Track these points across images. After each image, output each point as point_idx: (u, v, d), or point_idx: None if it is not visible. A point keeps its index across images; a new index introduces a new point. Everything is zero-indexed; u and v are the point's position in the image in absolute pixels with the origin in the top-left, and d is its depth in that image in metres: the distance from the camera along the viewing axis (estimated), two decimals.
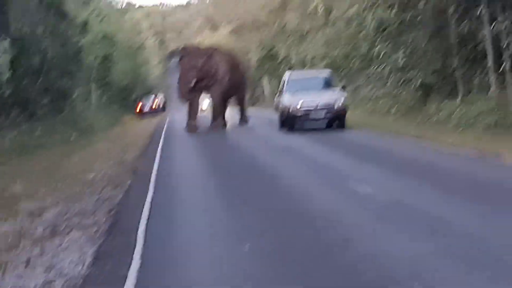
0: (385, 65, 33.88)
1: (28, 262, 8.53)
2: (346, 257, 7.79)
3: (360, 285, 6.83)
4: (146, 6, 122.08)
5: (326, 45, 45.34)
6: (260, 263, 7.86)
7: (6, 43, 27.23)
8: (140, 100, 61.44)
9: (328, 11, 47.89)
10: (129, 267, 7.92)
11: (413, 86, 31.14)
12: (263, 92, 70.69)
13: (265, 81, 68.94)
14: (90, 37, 38.74)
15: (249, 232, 9.38)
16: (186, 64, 30.72)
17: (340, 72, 41.39)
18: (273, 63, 61.85)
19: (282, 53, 57.66)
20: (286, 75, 29.42)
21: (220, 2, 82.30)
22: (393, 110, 32.74)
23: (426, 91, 30.10)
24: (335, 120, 26.33)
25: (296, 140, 22.93)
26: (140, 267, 7.94)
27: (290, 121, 26.40)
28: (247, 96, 37.62)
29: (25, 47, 29.91)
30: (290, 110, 26.12)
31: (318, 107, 25.83)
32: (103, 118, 40.87)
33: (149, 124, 42.10)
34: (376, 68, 35.93)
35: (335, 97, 26.19)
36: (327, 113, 25.93)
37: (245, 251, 8.32)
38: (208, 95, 32.78)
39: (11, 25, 29.65)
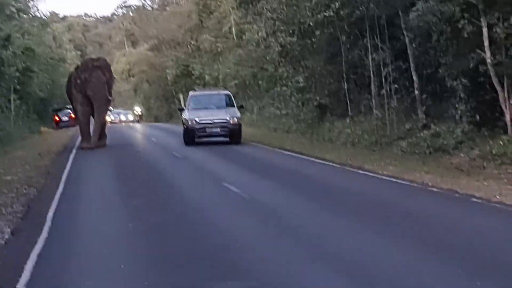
0: (288, 86, 36.71)
1: None
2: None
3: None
4: (69, 16, 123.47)
5: (237, 65, 47.79)
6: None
7: None
8: (57, 113, 62.67)
9: (240, 33, 50.47)
10: (39, 237, 10.45)
11: (311, 106, 33.99)
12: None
13: (181, 97, 71.14)
14: (12, 50, 40.29)
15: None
16: (101, 76, 29.58)
17: (249, 91, 44.07)
18: (188, 80, 63.97)
19: (196, 71, 59.77)
20: (190, 93, 31.90)
21: (140, 19, 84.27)
22: (293, 128, 35.55)
23: (322, 111, 32.98)
24: (231, 135, 28.72)
25: (193, 151, 25.90)
26: (48, 237, 10.49)
27: (190, 135, 28.82)
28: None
29: None
30: (190, 125, 28.60)
31: (214, 123, 28.38)
32: (21, 128, 42.39)
33: (64, 134, 43.72)
34: (280, 89, 38.72)
35: (230, 115, 28.58)
36: (222, 128, 28.49)
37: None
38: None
39: None
